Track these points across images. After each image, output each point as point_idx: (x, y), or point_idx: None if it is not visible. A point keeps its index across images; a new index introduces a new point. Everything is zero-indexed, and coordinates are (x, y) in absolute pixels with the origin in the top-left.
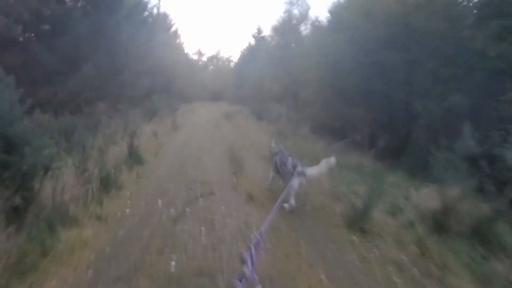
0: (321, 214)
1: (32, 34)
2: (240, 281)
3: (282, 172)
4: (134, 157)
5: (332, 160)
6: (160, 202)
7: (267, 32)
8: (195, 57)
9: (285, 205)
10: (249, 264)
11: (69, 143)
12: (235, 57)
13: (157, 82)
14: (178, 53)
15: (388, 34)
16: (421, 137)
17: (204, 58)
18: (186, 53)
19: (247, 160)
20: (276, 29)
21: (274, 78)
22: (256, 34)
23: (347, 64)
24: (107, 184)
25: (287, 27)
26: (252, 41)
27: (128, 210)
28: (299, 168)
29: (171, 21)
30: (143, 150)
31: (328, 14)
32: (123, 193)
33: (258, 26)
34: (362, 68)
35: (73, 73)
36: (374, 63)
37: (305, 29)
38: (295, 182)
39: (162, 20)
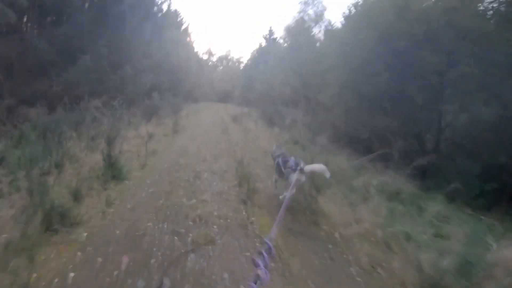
0: (377, 283)
1: (29, 22)
2: (255, 283)
3: (285, 171)
4: (112, 171)
5: (327, 172)
6: (124, 261)
7: (279, 34)
8: (205, 57)
9: (280, 197)
10: (262, 266)
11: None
12: (245, 59)
13: (163, 80)
14: (187, 51)
15: (427, 33)
16: (457, 154)
17: (214, 58)
18: (196, 52)
19: (260, 179)
20: (289, 30)
21: (285, 80)
22: (267, 36)
23: (374, 66)
24: (51, 220)
25: (301, 28)
26: (263, 43)
27: (72, 275)
28: (301, 165)
29: (182, 18)
30: (129, 160)
31: (345, 13)
32: (75, 237)
33: (270, 27)
34: (392, 70)
35: (70, 65)
36: (406, 65)
37: (318, 31)
38: (293, 177)
39: (173, 17)
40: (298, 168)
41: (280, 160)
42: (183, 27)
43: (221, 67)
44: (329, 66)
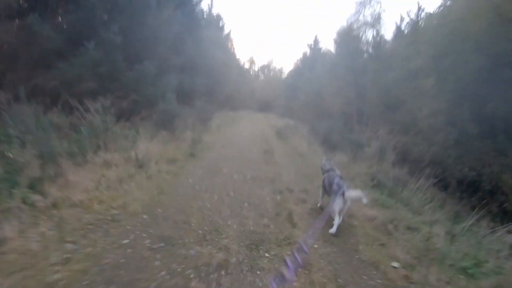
0: None
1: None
2: (276, 282)
3: (329, 192)
4: None
5: (364, 199)
6: None
7: (324, 43)
8: (247, 65)
9: (330, 230)
10: (291, 266)
11: None
12: (287, 69)
13: (196, 82)
14: (228, 56)
15: None
16: None
17: (256, 67)
18: (238, 59)
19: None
20: (342, 34)
21: (336, 91)
22: (312, 45)
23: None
24: None
25: (356, 32)
26: (308, 52)
27: None
28: (343, 188)
29: (224, 24)
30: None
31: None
32: None
33: (315, 36)
34: None
35: (73, 55)
36: None
37: (376, 34)
38: (336, 203)
39: (214, 19)
40: (341, 191)
41: (327, 178)
42: (225, 31)
43: (262, 76)
44: (421, 70)
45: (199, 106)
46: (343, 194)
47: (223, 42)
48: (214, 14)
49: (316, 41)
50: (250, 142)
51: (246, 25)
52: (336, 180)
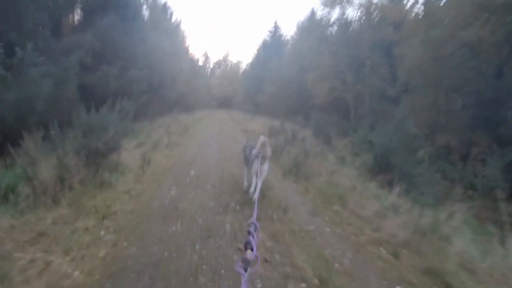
0: None
1: None
2: (245, 270)
3: (249, 160)
4: None
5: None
6: None
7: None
8: (201, 61)
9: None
10: (254, 247)
11: None
12: (244, 62)
13: (133, 78)
14: (178, 48)
15: None
16: None
17: (211, 63)
18: (191, 54)
19: None
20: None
21: (328, 77)
22: (273, 31)
23: None
24: None
25: None
26: (268, 39)
27: None
28: (254, 151)
29: (173, 12)
30: None
31: None
32: None
33: (275, 22)
34: None
35: None
36: None
37: None
38: (256, 164)
39: (159, 6)
40: (260, 155)
41: (247, 151)
42: (173, 20)
43: (218, 72)
44: None
45: (129, 110)
46: (262, 157)
47: (172, 32)
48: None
49: (276, 26)
50: (223, 193)
51: (198, 19)
52: (254, 151)
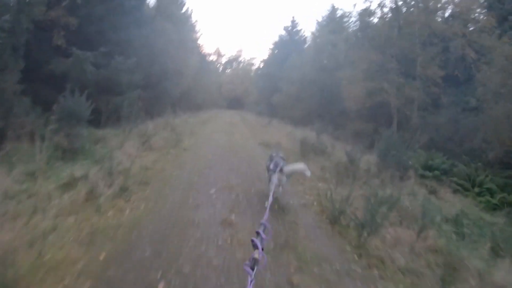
0: None
1: None
2: (252, 268)
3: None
4: None
5: (307, 171)
6: None
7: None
8: (213, 57)
9: (266, 202)
10: (260, 248)
11: None
12: (257, 60)
13: (122, 67)
14: (185, 36)
15: None
16: None
17: (223, 60)
18: (200, 44)
19: None
20: None
21: (366, 77)
22: (290, 26)
23: None
24: None
25: None
26: (284, 34)
27: None
28: (279, 166)
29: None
30: None
31: None
32: None
33: (293, 17)
34: None
35: None
36: None
37: None
38: (274, 178)
39: None
40: (278, 169)
41: (271, 164)
42: (184, 10)
43: (228, 70)
44: None
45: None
46: (280, 170)
47: (181, 21)
48: None
49: (294, 22)
50: None
51: (211, 14)
52: (276, 161)
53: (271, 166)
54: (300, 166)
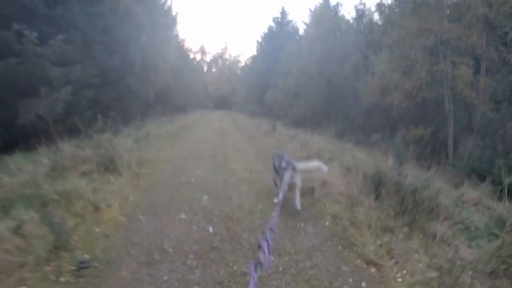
0: None
1: None
2: (255, 267)
3: (279, 171)
4: None
5: (324, 167)
6: None
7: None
8: (197, 56)
9: (274, 199)
10: (266, 249)
11: None
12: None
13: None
14: (160, 26)
15: None
16: None
17: (208, 58)
18: (181, 39)
19: None
20: None
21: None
22: (279, 19)
23: None
24: None
25: None
26: (274, 26)
27: None
28: (292, 164)
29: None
30: None
31: None
32: None
33: (282, 7)
34: None
35: None
36: None
37: None
38: (286, 175)
39: None
40: (291, 167)
41: (276, 161)
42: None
43: (214, 69)
44: None
45: None
46: (294, 169)
47: (157, 7)
48: None
49: (284, 12)
50: None
51: (194, 10)
52: (285, 159)
53: (283, 164)
54: (315, 162)
